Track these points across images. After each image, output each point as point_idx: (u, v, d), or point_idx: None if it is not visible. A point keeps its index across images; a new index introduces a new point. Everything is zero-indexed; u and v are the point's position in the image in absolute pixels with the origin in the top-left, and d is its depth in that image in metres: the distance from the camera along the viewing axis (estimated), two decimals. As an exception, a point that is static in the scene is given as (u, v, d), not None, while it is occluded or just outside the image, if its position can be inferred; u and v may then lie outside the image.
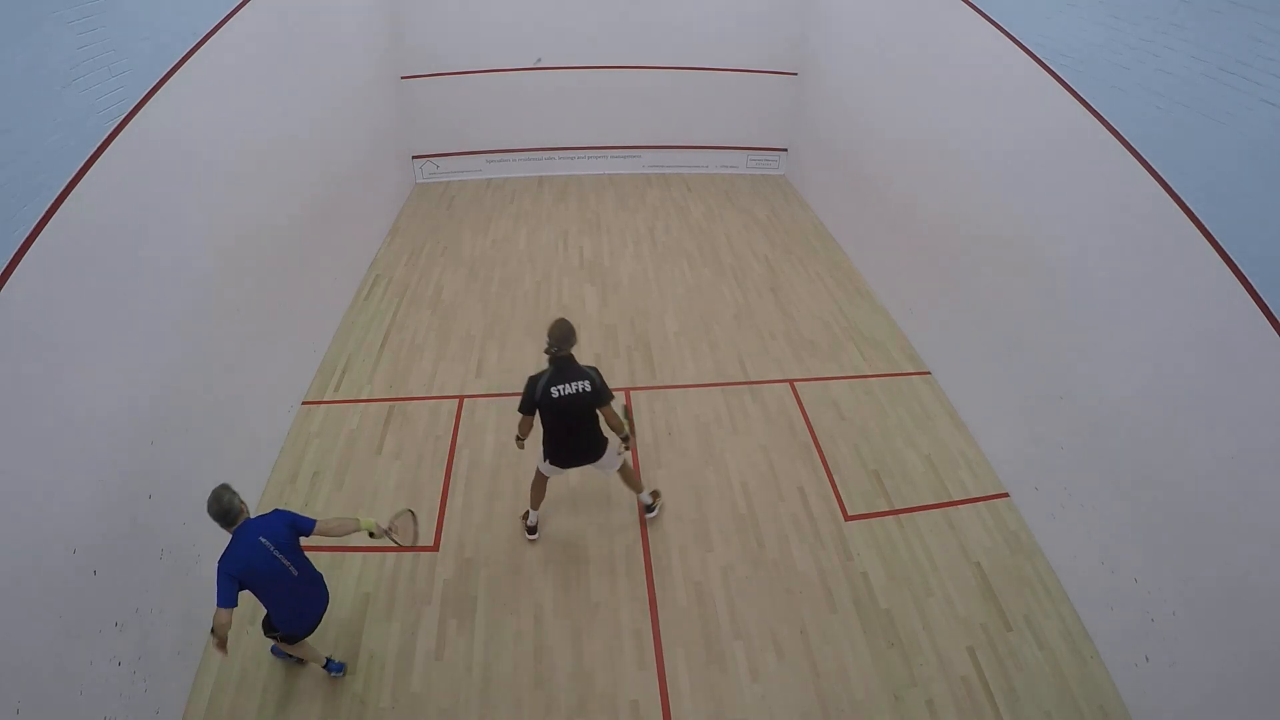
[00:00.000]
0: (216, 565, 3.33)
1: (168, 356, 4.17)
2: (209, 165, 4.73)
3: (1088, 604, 4.50)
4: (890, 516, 5.24)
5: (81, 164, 3.50)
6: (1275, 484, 3.28)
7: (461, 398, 6.30)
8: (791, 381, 6.58)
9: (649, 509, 5.10)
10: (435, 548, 4.93)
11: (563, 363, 4.29)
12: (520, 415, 4.39)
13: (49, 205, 3.27)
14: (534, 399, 4.30)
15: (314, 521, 3.61)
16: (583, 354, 6.86)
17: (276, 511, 3.60)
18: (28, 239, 3.13)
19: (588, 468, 4.74)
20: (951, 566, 4.86)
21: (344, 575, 4.71)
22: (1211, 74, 3.63)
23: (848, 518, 5.23)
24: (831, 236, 9.29)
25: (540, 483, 4.81)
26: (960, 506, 5.32)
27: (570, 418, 4.38)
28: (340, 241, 7.41)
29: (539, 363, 6.72)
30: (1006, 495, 5.41)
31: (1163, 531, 3.94)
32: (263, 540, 3.43)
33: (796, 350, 7.00)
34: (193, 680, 4.07)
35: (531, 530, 4.98)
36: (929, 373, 6.70)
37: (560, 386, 4.27)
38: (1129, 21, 4.18)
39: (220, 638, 3.19)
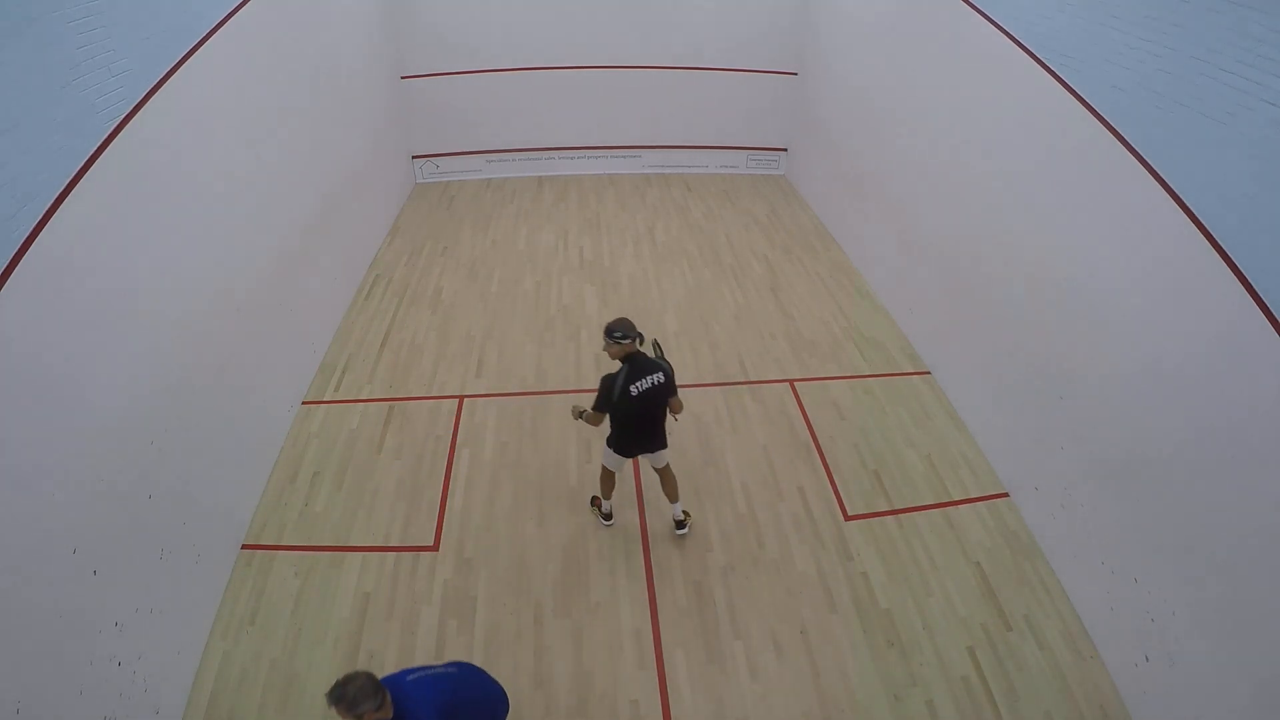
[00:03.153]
0: None
1: (167, 356, 4.17)
2: (209, 165, 4.73)
3: (1088, 604, 4.50)
4: (890, 516, 5.24)
5: (81, 164, 3.50)
6: (1276, 484, 3.28)
7: (461, 398, 6.30)
8: (791, 381, 6.58)
9: (680, 525, 5.00)
10: (435, 548, 4.93)
11: (636, 358, 4.31)
12: (595, 413, 4.40)
13: (49, 205, 3.28)
14: (612, 398, 4.31)
15: None
16: (582, 353, 6.88)
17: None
18: (28, 239, 3.13)
19: (642, 457, 4.83)
20: (951, 566, 4.86)
21: (344, 575, 4.72)
22: (1211, 74, 3.63)
23: (848, 518, 5.23)
24: (831, 236, 9.29)
25: (609, 475, 4.87)
26: (960, 506, 5.32)
27: (649, 411, 4.46)
28: (340, 241, 7.41)
29: (539, 363, 6.76)
30: (1006, 495, 5.41)
31: (1163, 531, 3.94)
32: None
33: (796, 350, 7.00)
34: (193, 680, 4.07)
35: (607, 517, 5.07)
36: (929, 373, 6.70)
37: (639, 383, 4.29)
38: (1129, 21, 4.18)
39: None
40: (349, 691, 2.57)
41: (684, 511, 5.02)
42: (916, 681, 4.19)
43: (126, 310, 3.81)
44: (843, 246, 8.97)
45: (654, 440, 4.67)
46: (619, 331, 4.24)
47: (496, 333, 7.18)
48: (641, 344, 4.33)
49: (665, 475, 4.89)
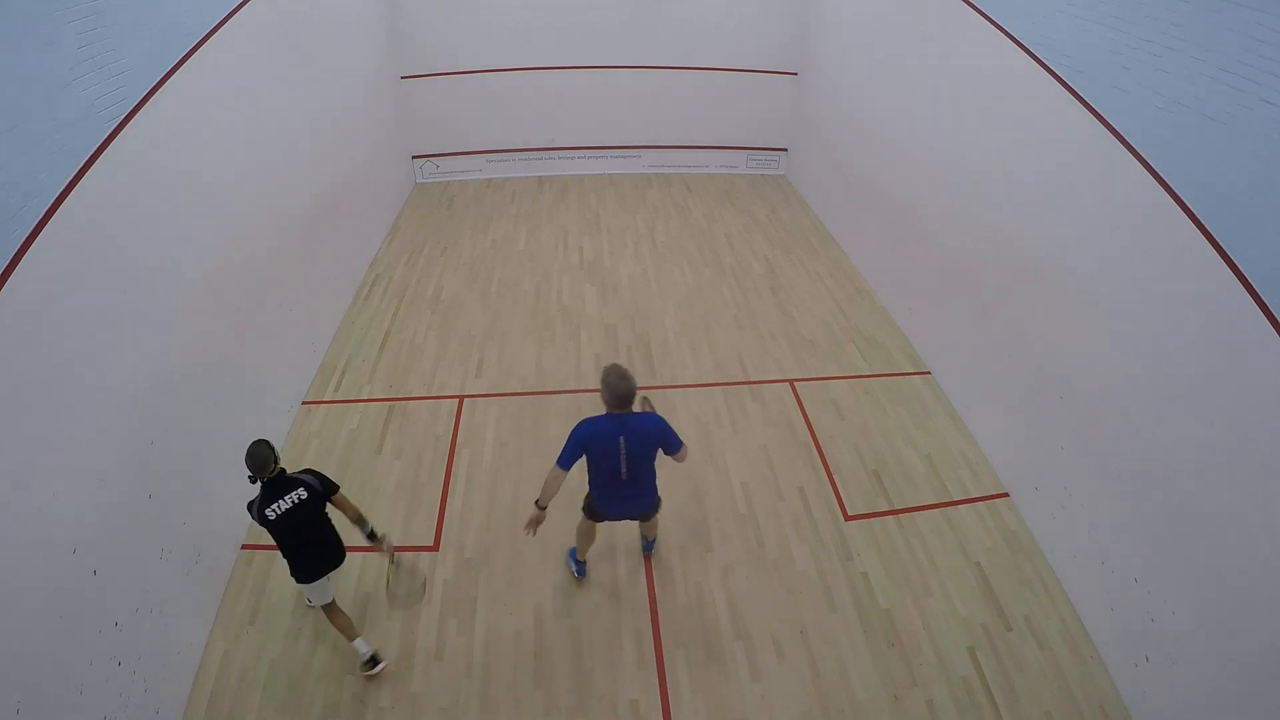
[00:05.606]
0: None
1: (167, 356, 4.17)
2: (209, 165, 4.73)
3: (1088, 604, 4.50)
4: (890, 516, 5.24)
5: (81, 164, 3.50)
6: (1276, 484, 3.28)
7: (461, 398, 6.30)
8: (791, 381, 6.58)
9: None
10: (435, 548, 4.93)
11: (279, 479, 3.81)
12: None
13: (49, 205, 3.28)
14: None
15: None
16: (582, 353, 6.88)
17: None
18: (28, 238, 3.13)
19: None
20: (951, 566, 4.86)
21: (344, 575, 4.70)
22: (1211, 74, 3.63)
23: (848, 518, 5.23)
24: (831, 236, 9.29)
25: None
26: (960, 506, 5.32)
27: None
28: (340, 241, 7.41)
29: (539, 362, 6.77)
30: (1006, 495, 5.41)
31: (1163, 531, 3.94)
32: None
33: (796, 350, 7.00)
34: (193, 680, 4.07)
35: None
36: (929, 373, 6.70)
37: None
38: (1129, 21, 4.18)
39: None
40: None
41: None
42: (916, 681, 4.19)
43: (126, 310, 3.81)
44: (843, 246, 8.97)
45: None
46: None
47: (496, 333, 7.18)
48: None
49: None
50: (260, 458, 3.66)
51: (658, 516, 4.55)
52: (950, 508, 5.30)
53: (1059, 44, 4.81)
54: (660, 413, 4.13)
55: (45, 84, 3.31)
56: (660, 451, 4.00)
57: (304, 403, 6.17)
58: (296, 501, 3.75)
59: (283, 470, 3.79)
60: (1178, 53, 3.83)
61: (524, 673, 4.20)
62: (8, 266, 3.02)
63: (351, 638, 4.10)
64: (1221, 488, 3.56)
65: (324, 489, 3.88)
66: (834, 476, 5.55)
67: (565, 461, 3.81)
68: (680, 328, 7.31)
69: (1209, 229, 3.64)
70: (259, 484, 3.71)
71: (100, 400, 3.56)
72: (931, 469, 5.65)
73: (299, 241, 6.22)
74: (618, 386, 3.75)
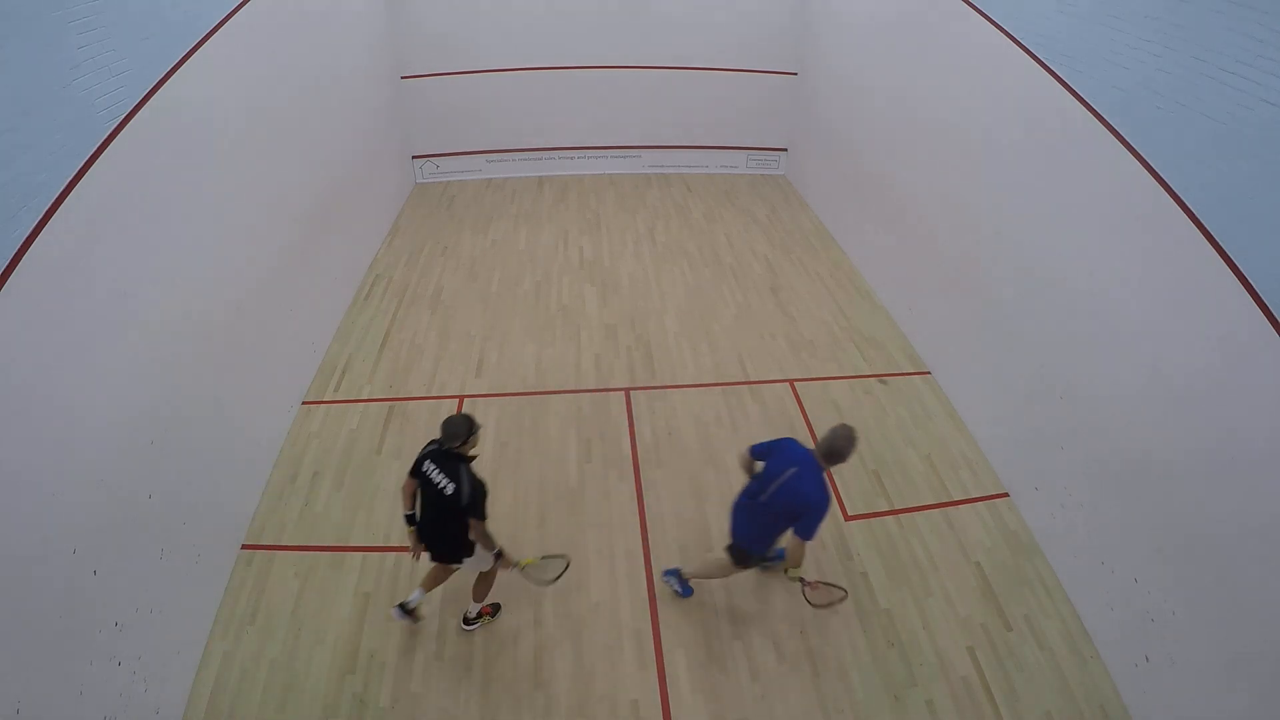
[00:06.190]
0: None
1: (168, 356, 4.17)
2: (209, 165, 4.73)
3: (1088, 604, 4.50)
4: (890, 516, 5.24)
5: (82, 164, 3.50)
6: (1275, 483, 3.28)
7: (461, 398, 6.30)
8: (791, 381, 6.58)
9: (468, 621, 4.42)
10: (435, 548, 4.93)
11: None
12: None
13: (50, 205, 3.28)
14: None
15: None
16: (582, 354, 6.88)
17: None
18: (28, 238, 3.14)
19: None
20: (951, 566, 4.86)
21: (344, 575, 4.71)
22: (1211, 74, 3.63)
23: (848, 518, 5.23)
24: (831, 236, 9.29)
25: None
26: (960, 506, 5.32)
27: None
28: (340, 241, 7.41)
29: (539, 362, 6.76)
30: (1006, 495, 5.41)
31: (1163, 531, 3.94)
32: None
33: (796, 350, 7.00)
34: (193, 680, 4.07)
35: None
36: (929, 373, 6.69)
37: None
38: (1129, 21, 4.19)
39: None
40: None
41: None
42: (916, 681, 4.19)
43: (126, 310, 3.81)
44: (843, 246, 8.97)
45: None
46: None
47: (496, 333, 7.18)
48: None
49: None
50: (453, 427, 3.76)
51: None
52: (950, 508, 5.30)
53: (1059, 44, 4.81)
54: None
55: (45, 84, 3.31)
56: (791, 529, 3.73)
57: (304, 403, 6.17)
58: (441, 487, 3.77)
59: (462, 456, 3.80)
60: (1178, 53, 3.83)
61: (524, 673, 4.20)
62: (8, 266, 3.03)
63: (426, 589, 4.25)
64: (1222, 487, 3.56)
65: (466, 506, 3.71)
66: (834, 476, 5.55)
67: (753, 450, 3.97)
68: (680, 328, 7.31)
69: (1209, 229, 3.65)
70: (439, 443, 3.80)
71: (100, 400, 3.56)
72: (931, 469, 5.64)
73: (299, 241, 6.22)
74: (833, 443, 3.64)
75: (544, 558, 4.19)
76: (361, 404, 6.21)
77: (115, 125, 3.76)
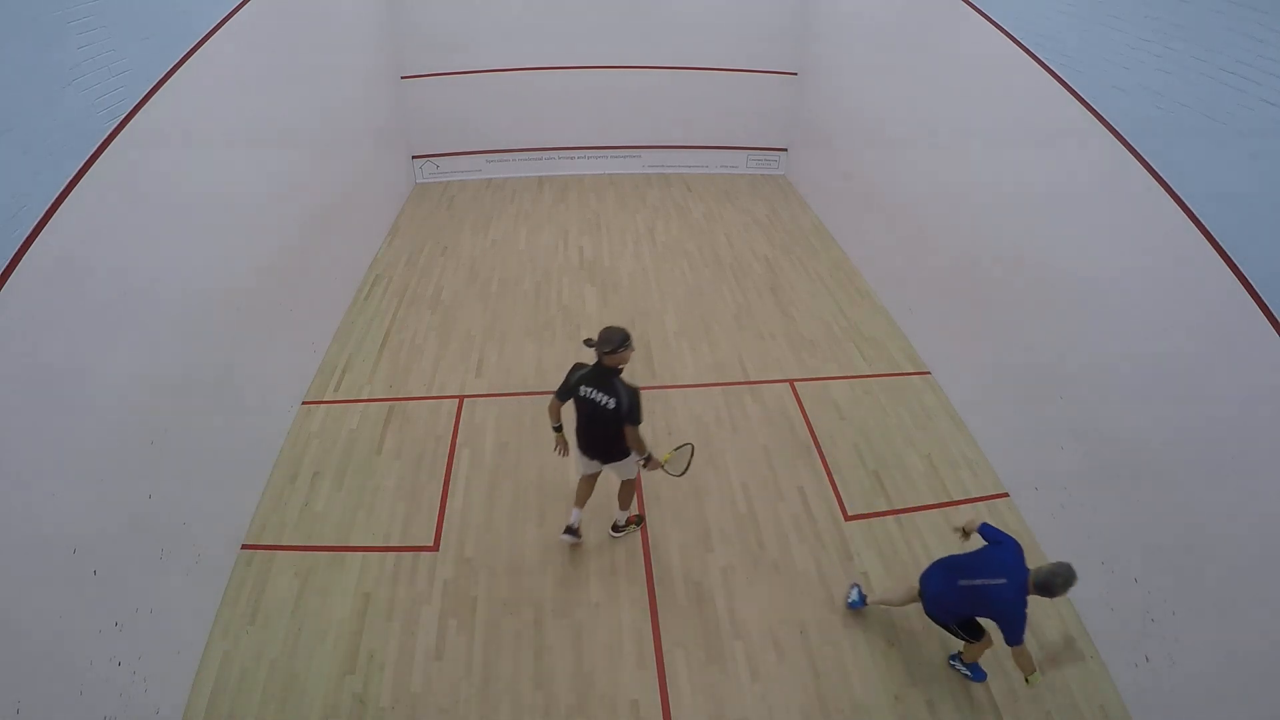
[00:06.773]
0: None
1: (167, 356, 4.17)
2: (209, 165, 4.73)
3: (1088, 604, 4.50)
4: (890, 516, 5.24)
5: (82, 164, 3.50)
6: (1275, 483, 3.28)
7: (461, 398, 6.30)
8: (791, 381, 6.58)
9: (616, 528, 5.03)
10: (435, 548, 4.93)
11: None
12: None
13: (49, 205, 3.28)
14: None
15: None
16: (583, 354, 6.87)
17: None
18: (28, 238, 3.14)
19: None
20: (951, 566, 4.86)
21: (344, 575, 4.72)
22: (1211, 74, 3.63)
23: (848, 518, 5.23)
24: (831, 236, 9.29)
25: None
26: (960, 506, 5.32)
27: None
28: (340, 241, 7.41)
29: (539, 362, 6.77)
30: (1006, 495, 5.41)
31: (1162, 531, 3.94)
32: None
33: (796, 350, 7.00)
34: (193, 680, 4.07)
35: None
36: (929, 373, 6.70)
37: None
38: (1129, 21, 4.19)
39: None
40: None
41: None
42: (916, 681, 4.19)
43: (126, 309, 3.81)
44: (843, 246, 8.97)
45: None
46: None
47: (496, 333, 7.18)
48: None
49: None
50: (610, 333, 4.03)
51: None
52: (950, 508, 5.30)
53: (1059, 44, 4.81)
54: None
55: (45, 84, 3.31)
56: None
57: (304, 403, 6.17)
58: (603, 404, 4.13)
59: (614, 369, 4.11)
60: (1178, 53, 3.83)
61: (524, 673, 4.20)
62: (8, 266, 3.03)
63: (579, 506, 4.73)
64: (1222, 487, 3.56)
65: (625, 415, 4.12)
66: (834, 476, 5.55)
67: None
68: (680, 328, 7.31)
69: (1209, 229, 3.65)
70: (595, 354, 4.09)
71: (100, 400, 3.56)
72: (931, 469, 5.65)
73: (299, 241, 6.22)
74: (1051, 579, 3.49)
75: (676, 449, 4.48)
76: (361, 404, 6.21)
77: (115, 125, 3.76)
